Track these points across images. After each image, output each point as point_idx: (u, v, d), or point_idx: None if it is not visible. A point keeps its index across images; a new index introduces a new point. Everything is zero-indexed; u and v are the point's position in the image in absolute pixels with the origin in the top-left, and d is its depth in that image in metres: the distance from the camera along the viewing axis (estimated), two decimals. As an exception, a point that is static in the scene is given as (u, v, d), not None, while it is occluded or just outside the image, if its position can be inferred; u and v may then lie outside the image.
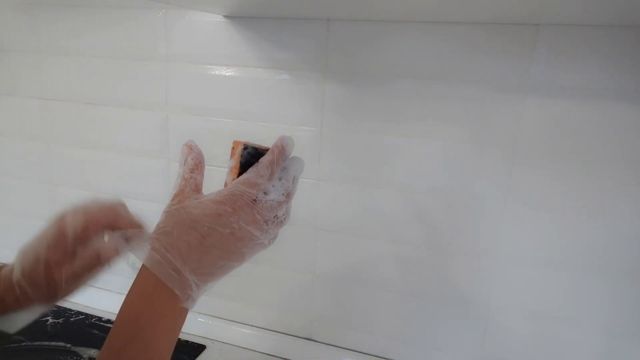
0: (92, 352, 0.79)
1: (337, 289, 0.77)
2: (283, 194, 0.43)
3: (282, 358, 0.81)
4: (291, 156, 0.44)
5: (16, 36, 0.87)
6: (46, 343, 0.81)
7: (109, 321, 0.89)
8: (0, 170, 0.97)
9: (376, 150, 0.69)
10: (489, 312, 0.70)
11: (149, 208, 0.86)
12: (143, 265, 0.36)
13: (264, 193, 0.41)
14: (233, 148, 0.44)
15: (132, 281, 0.37)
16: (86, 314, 0.91)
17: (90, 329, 0.86)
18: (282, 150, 0.43)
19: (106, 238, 0.42)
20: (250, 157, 0.43)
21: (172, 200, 0.43)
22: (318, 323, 0.81)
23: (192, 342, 0.84)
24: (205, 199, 0.41)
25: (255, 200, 0.41)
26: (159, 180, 0.84)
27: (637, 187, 0.59)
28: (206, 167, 0.81)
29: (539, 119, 0.61)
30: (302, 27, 0.69)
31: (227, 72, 0.74)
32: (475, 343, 0.71)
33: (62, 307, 0.93)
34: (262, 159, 0.43)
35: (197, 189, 0.45)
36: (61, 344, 0.81)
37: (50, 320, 0.88)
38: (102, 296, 0.94)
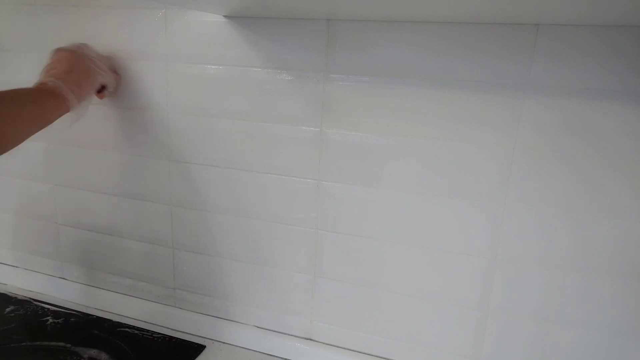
0: (92, 352, 0.79)
1: (337, 289, 0.77)
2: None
3: (282, 358, 0.81)
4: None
5: (16, 36, 0.87)
6: (46, 343, 0.81)
7: (109, 321, 0.89)
8: (1, 170, 0.97)
9: (376, 150, 0.70)
10: (489, 312, 0.70)
11: (149, 208, 0.86)
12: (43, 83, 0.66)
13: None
14: None
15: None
16: (86, 314, 0.91)
17: (90, 329, 0.86)
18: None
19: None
20: None
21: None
22: (318, 323, 0.81)
23: (192, 342, 0.84)
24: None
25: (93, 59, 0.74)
26: (159, 180, 0.84)
27: (637, 187, 0.59)
28: (208, 166, 0.81)
29: (539, 119, 0.61)
30: (302, 27, 0.69)
31: (227, 72, 0.74)
32: (475, 343, 0.71)
33: (63, 307, 0.93)
34: None
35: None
36: (61, 344, 0.81)
37: (50, 320, 0.88)
38: (102, 297, 0.94)
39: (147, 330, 0.87)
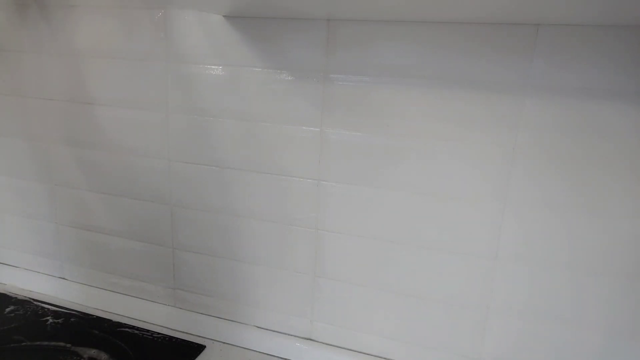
0: (92, 352, 0.79)
1: (337, 289, 0.77)
2: None
3: (282, 358, 0.81)
4: None
5: (16, 36, 0.87)
6: (46, 343, 0.81)
7: (109, 321, 0.89)
8: (1, 170, 0.97)
9: (376, 150, 0.70)
10: (488, 312, 0.70)
11: (149, 208, 0.86)
12: None
13: None
14: None
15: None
16: (86, 314, 0.91)
17: (90, 328, 0.86)
18: None
19: None
20: None
21: None
22: (318, 323, 0.81)
23: (192, 342, 0.84)
24: None
25: None
26: (159, 180, 0.84)
27: (637, 187, 0.59)
28: (208, 166, 0.81)
29: (539, 119, 0.61)
30: (302, 27, 0.69)
31: (227, 72, 0.75)
32: (475, 343, 0.71)
33: (63, 307, 0.93)
34: None
35: None
36: (61, 344, 0.81)
37: (50, 320, 0.88)
38: (102, 297, 0.94)
39: (147, 330, 0.87)
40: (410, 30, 0.64)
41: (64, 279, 0.98)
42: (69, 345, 0.81)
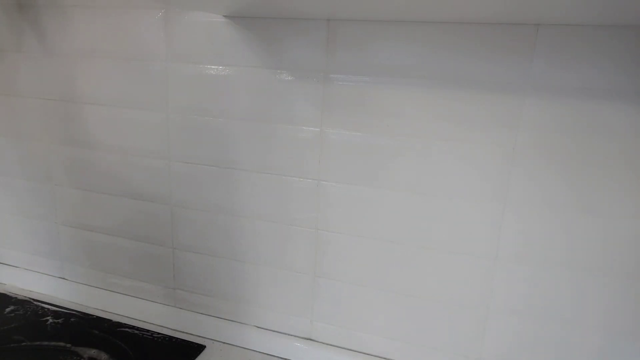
0: (92, 352, 0.79)
1: (337, 289, 0.77)
2: None
3: (282, 358, 0.81)
4: None
5: (16, 36, 0.87)
6: (46, 343, 0.81)
7: (109, 321, 0.89)
8: (1, 170, 0.97)
9: (376, 150, 0.70)
10: (488, 312, 0.70)
11: (149, 208, 0.86)
12: None
13: None
14: None
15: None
16: (86, 314, 0.91)
17: (90, 328, 0.86)
18: None
19: None
20: None
21: None
22: (318, 323, 0.81)
23: (192, 342, 0.84)
24: None
25: None
26: (159, 180, 0.84)
27: (637, 187, 0.59)
28: (208, 166, 0.81)
29: (539, 119, 0.61)
30: (302, 27, 0.69)
31: (227, 72, 0.75)
32: (475, 343, 0.71)
33: (63, 307, 0.93)
34: None
35: None
36: (61, 344, 0.81)
37: (50, 320, 0.88)
38: (102, 297, 0.94)
39: (147, 330, 0.87)
40: (410, 30, 0.64)
41: (63, 279, 0.98)
42: (69, 345, 0.81)
